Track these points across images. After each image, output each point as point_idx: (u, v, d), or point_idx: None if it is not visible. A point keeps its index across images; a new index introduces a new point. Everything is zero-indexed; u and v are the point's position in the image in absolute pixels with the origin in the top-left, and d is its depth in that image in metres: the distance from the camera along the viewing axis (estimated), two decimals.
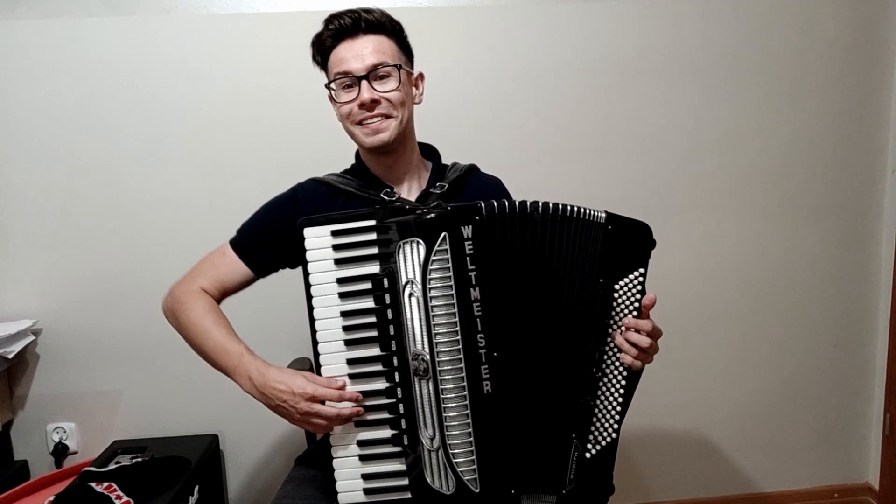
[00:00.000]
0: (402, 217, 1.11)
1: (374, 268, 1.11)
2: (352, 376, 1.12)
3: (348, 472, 1.13)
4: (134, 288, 1.92)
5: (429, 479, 1.12)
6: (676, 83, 1.99)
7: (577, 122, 1.98)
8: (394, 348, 1.11)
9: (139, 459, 1.78)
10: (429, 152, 1.41)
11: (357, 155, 1.39)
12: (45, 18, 1.81)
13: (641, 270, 1.14)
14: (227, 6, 1.86)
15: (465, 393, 1.10)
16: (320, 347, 1.13)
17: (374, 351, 1.12)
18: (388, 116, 1.25)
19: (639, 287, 1.14)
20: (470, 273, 1.10)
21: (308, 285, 1.13)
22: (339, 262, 1.12)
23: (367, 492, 1.13)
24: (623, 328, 1.14)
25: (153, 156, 1.89)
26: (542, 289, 1.12)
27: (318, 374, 1.14)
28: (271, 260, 1.32)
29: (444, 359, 1.10)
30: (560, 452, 1.13)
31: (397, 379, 1.11)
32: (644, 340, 1.12)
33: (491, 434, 1.11)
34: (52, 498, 1.57)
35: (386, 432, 1.12)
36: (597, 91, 1.98)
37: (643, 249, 1.15)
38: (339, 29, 1.24)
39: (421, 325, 1.10)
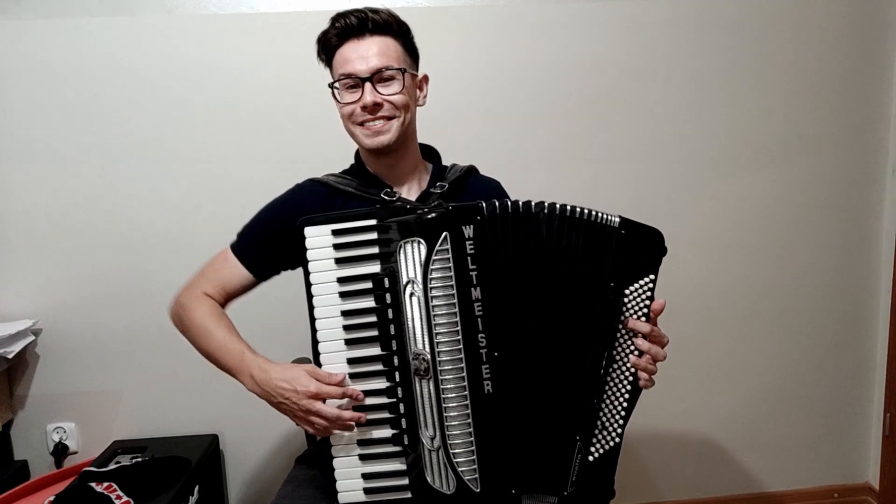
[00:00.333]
0: (403, 217, 1.11)
1: (374, 267, 1.11)
2: (352, 376, 1.12)
3: (348, 471, 1.13)
4: (134, 288, 1.92)
5: (429, 479, 1.12)
6: (675, 83, 1.99)
7: (577, 122, 1.98)
8: (394, 348, 1.11)
9: (139, 459, 1.78)
10: (429, 153, 1.41)
11: (357, 155, 1.39)
12: (45, 18, 1.81)
13: (652, 276, 1.14)
14: (227, 6, 1.86)
15: (466, 393, 1.10)
16: (321, 347, 1.13)
17: (375, 350, 1.12)
18: (390, 118, 1.25)
19: (649, 293, 1.14)
20: (471, 273, 1.10)
21: (308, 285, 1.13)
22: (340, 262, 1.12)
23: (367, 491, 1.13)
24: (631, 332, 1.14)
25: (153, 155, 1.88)
26: (545, 289, 1.12)
27: None
28: (271, 263, 1.32)
29: (444, 358, 1.10)
30: (563, 454, 1.13)
31: (398, 378, 1.11)
32: (644, 344, 1.13)
33: (492, 434, 1.11)
34: (52, 498, 1.57)
35: (386, 432, 1.12)
36: (597, 91, 1.97)
37: (655, 256, 1.15)
38: (345, 28, 1.23)
39: (422, 325, 1.10)
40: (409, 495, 1.12)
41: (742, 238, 2.09)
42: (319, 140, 1.80)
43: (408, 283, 1.10)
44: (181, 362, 1.93)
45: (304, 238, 1.13)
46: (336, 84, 1.27)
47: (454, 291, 1.10)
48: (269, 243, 1.30)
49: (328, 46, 1.27)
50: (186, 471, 1.73)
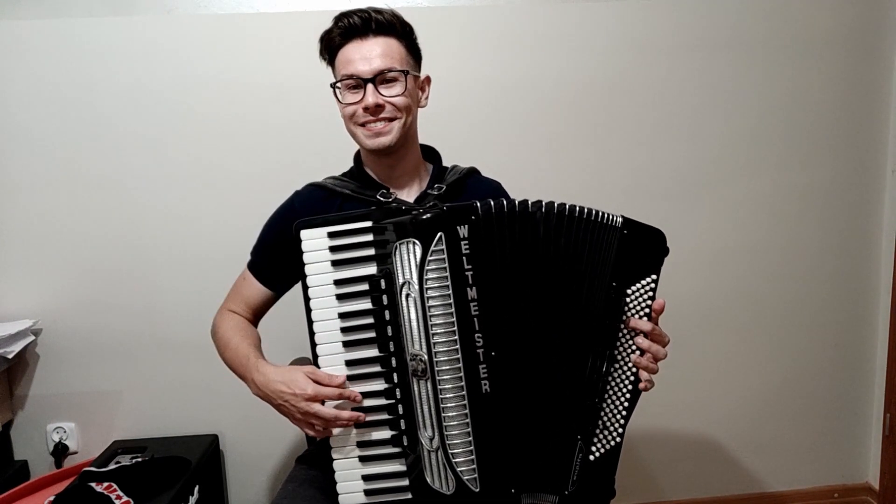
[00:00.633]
0: (399, 218, 1.11)
1: (371, 269, 1.11)
2: (350, 377, 1.12)
3: (348, 473, 1.13)
4: (134, 288, 1.92)
5: (429, 480, 1.12)
6: (675, 82, 1.99)
7: (578, 124, 1.98)
8: (392, 349, 1.11)
9: (139, 459, 1.78)
10: (430, 154, 1.41)
11: (356, 156, 1.38)
12: (45, 18, 1.81)
13: (654, 277, 1.14)
14: (227, 6, 1.86)
15: (464, 393, 1.11)
16: (319, 349, 1.13)
17: (373, 352, 1.12)
18: (391, 120, 1.24)
19: (651, 293, 1.14)
20: (467, 273, 1.10)
21: (306, 287, 1.13)
22: (336, 264, 1.12)
23: (367, 493, 1.13)
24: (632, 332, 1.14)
25: (153, 155, 1.88)
26: (543, 289, 1.12)
27: None
28: (284, 275, 1.34)
29: (442, 359, 1.10)
30: (564, 453, 1.13)
31: (396, 380, 1.12)
32: (645, 343, 1.13)
33: (490, 433, 1.11)
34: (52, 498, 1.57)
35: (385, 433, 1.12)
36: (599, 93, 1.97)
37: (657, 256, 1.15)
38: (348, 28, 1.23)
39: (418, 326, 1.10)
40: (410, 496, 1.12)
41: (742, 238, 2.09)
42: (319, 140, 1.80)
43: (404, 284, 1.10)
44: (181, 362, 1.94)
45: (300, 241, 1.13)
46: (338, 84, 1.26)
47: (450, 292, 1.10)
48: (277, 256, 1.31)
49: (331, 46, 1.27)
50: (186, 471, 1.73)
